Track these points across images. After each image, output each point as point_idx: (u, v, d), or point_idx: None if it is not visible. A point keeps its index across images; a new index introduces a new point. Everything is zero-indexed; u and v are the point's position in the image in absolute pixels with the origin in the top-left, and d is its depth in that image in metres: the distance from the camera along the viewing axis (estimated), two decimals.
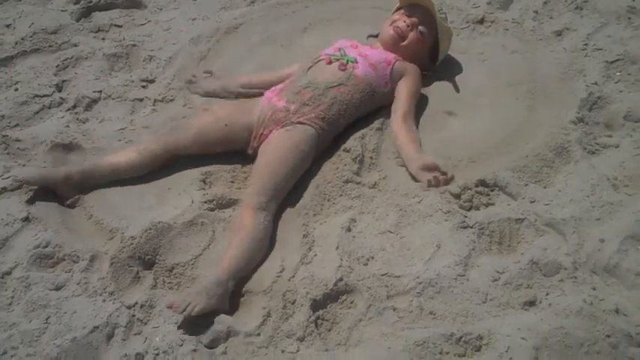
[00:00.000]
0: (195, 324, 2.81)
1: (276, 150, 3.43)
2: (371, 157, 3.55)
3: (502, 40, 4.30)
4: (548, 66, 4.01)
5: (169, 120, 3.89)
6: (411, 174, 3.45)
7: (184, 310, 2.78)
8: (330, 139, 3.61)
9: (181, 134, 3.55)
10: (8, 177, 3.47)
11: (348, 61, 3.73)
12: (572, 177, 3.34)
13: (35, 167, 3.49)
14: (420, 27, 3.90)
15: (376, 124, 3.73)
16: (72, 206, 3.41)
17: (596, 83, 3.82)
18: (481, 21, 4.47)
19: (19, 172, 3.39)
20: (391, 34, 3.90)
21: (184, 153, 3.56)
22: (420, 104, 3.84)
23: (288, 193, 3.41)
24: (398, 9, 4.06)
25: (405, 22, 3.90)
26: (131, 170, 3.48)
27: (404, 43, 3.89)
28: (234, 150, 3.59)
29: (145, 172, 3.50)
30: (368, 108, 3.77)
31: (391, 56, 3.84)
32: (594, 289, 2.86)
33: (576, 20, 4.37)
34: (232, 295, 2.98)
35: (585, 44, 4.14)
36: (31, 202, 3.34)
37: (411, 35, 3.89)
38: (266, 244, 3.18)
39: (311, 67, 3.77)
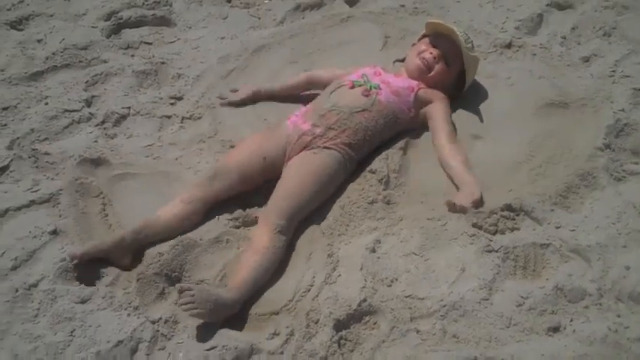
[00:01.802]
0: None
1: (303, 172, 3.43)
2: (396, 178, 3.56)
3: (529, 65, 4.30)
4: (575, 92, 4.01)
5: (197, 138, 3.96)
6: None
7: (184, 304, 2.85)
8: (355, 164, 3.62)
9: (225, 179, 3.48)
10: (37, 190, 3.52)
11: (371, 87, 3.74)
12: (598, 203, 3.32)
13: (77, 224, 3.39)
14: (446, 58, 3.91)
15: (400, 144, 3.74)
16: (128, 269, 3.28)
17: (623, 110, 3.80)
18: (509, 45, 4.47)
19: (69, 250, 3.22)
20: (418, 64, 3.91)
21: (230, 195, 3.51)
22: None
23: (314, 212, 3.43)
24: (423, 36, 4.07)
25: (431, 53, 3.90)
26: (182, 223, 3.37)
27: (430, 74, 3.90)
28: (273, 178, 3.53)
29: (196, 222, 3.40)
30: (391, 133, 3.78)
31: (414, 83, 3.85)
32: (619, 316, 2.84)
33: (604, 47, 4.37)
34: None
35: (613, 71, 4.13)
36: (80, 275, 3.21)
37: (438, 67, 3.90)
38: (276, 267, 3.19)
39: (333, 91, 3.79)
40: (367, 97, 3.69)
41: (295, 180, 3.42)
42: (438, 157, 3.66)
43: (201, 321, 2.91)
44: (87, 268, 3.19)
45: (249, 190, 3.56)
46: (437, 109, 3.81)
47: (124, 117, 4.12)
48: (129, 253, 3.27)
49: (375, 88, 3.73)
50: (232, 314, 2.98)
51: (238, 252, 3.27)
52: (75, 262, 3.16)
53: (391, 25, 4.81)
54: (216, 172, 3.50)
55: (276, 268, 3.18)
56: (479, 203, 3.34)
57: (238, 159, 3.56)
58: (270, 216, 3.28)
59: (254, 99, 4.25)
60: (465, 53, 3.88)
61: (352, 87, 3.76)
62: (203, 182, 3.47)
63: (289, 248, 3.30)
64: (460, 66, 3.94)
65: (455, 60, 3.91)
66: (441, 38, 3.94)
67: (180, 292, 2.89)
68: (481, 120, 3.92)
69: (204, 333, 2.87)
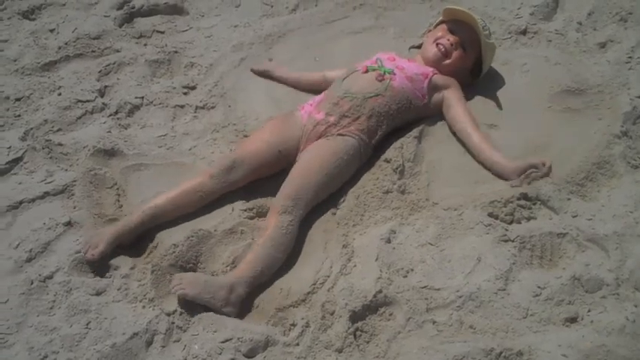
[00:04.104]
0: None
1: (315, 157, 3.44)
2: (411, 167, 3.53)
3: (545, 51, 4.26)
4: (591, 79, 3.97)
5: (211, 127, 3.95)
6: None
7: (175, 286, 2.94)
8: (370, 150, 3.60)
9: (240, 171, 3.45)
10: (51, 181, 3.52)
11: (385, 72, 3.71)
12: (615, 192, 3.30)
13: (91, 215, 3.35)
14: (464, 46, 3.87)
15: (414, 132, 3.71)
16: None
17: None
18: (524, 32, 4.42)
19: (87, 255, 3.16)
20: (435, 52, 3.87)
21: (242, 185, 3.50)
22: None
23: (328, 202, 3.42)
24: (440, 22, 4.04)
25: (449, 40, 3.86)
26: (192, 211, 3.38)
27: (447, 61, 3.86)
28: (285, 168, 3.52)
29: (202, 206, 3.41)
30: (404, 120, 3.75)
31: (429, 70, 3.81)
32: (637, 306, 2.82)
33: (620, 32, 4.32)
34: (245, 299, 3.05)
35: (629, 57, 4.09)
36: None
37: (455, 54, 3.86)
38: (287, 249, 3.19)
39: (346, 77, 3.77)
40: (381, 82, 3.67)
41: (304, 164, 3.43)
42: (467, 145, 3.62)
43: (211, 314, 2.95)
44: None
45: (260, 179, 3.55)
46: (454, 97, 3.77)
47: (137, 107, 4.11)
48: (135, 238, 3.29)
49: (389, 72, 3.70)
50: (239, 297, 3.00)
51: (246, 244, 3.25)
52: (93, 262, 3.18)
53: (405, 12, 4.78)
54: (232, 166, 3.45)
55: (284, 250, 3.18)
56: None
57: (254, 152, 3.52)
58: (277, 200, 3.30)
59: (272, 76, 4.32)
60: (483, 41, 3.85)
61: (366, 71, 3.74)
62: (218, 174, 3.43)
63: (303, 237, 3.29)
64: (477, 53, 3.91)
65: (472, 47, 3.88)
66: (458, 25, 3.91)
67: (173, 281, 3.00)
68: (496, 108, 3.89)
69: (220, 325, 2.86)
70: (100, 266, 3.16)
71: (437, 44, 3.88)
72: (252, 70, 4.37)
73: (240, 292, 3.01)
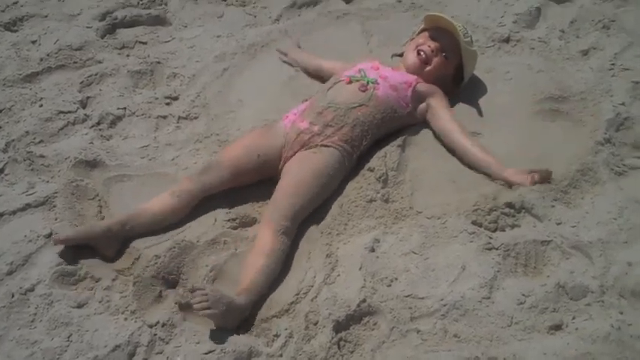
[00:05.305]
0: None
1: (304, 173, 3.41)
2: (394, 176, 3.52)
3: (528, 59, 4.26)
4: (574, 86, 3.97)
5: (194, 138, 3.93)
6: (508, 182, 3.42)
7: (197, 304, 2.83)
8: (354, 161, 3.58)
9: (216, 173, 3.47)
10: (32, 193, 3.49)
11: (368, 82, 3.70)
12: (599, 199, 3.30)
13: (73, 226, 3.34)
14: (444, 52, 3.87)
15: (398, 141, 3.69)
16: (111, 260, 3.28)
17: (623, 104, 3.78)
18: (507, 40, 4.42)
19: (57, 231, 3.25)
20: (415, 59, 3.87)
21: (220, 190, 3.50)
22: None
23: (312, 211, 3.40)
24: (422, 30, 4.04)
25: (429, 46, 3.86)
26: (170, 215, 3.37)
27: (428, 68, 3.86)
28: (267, 177, 3.55)
29: (183, 215, 3.40)
30: (388, 129, 3.74)
31: (412, 78, 3.81)
32: (622, 313, 2.82)
33: (603, 40, 4.33)
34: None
35: (612, 64, 4.10)
36: (66, 256, 3.21)
37: (436, 60, 3.86)
38: (280, 269, 3.17)
39: (331, 87, 3.76)
40: (364, 92, 3.66)
41: (297, 180, 3.39)
42: (458, 150, 3.62)
43: (211, 325, 2.91)
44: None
45: (241, 187, 3.54)
46: (439, 106, 3.77)
47: (119, 118, 4.08)
48: (114, 243, 3.27)
49: (372, 82, 3.70)
50: (243, 319, 2.97)
51: (228, 255, 3.25)
52: (57, 245, 3.18)
53: (389, 21, 4.77)
54: (208, 167, 3.50)
55: (280, 270, 3.16)
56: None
57: (232, 155, 3.55)
58: (273, 217, 3.25)
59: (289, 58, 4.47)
60: (464, 47, 3.85)
61: (349, 82, 3.73)
62: (193, 176, 3.46)
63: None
64: (458, 60, 3.91)
65: (453, 54, 3.88)
66: (439, 32, 3.91)
67: (192, 291, 2.88)
68: (480, 115, 3.89)
69: (202, 336, 2.85)
70: (80, 278, 3.15)
71: (417, 51, 3.88)
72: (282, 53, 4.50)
73: (247, 315, 2.99)
